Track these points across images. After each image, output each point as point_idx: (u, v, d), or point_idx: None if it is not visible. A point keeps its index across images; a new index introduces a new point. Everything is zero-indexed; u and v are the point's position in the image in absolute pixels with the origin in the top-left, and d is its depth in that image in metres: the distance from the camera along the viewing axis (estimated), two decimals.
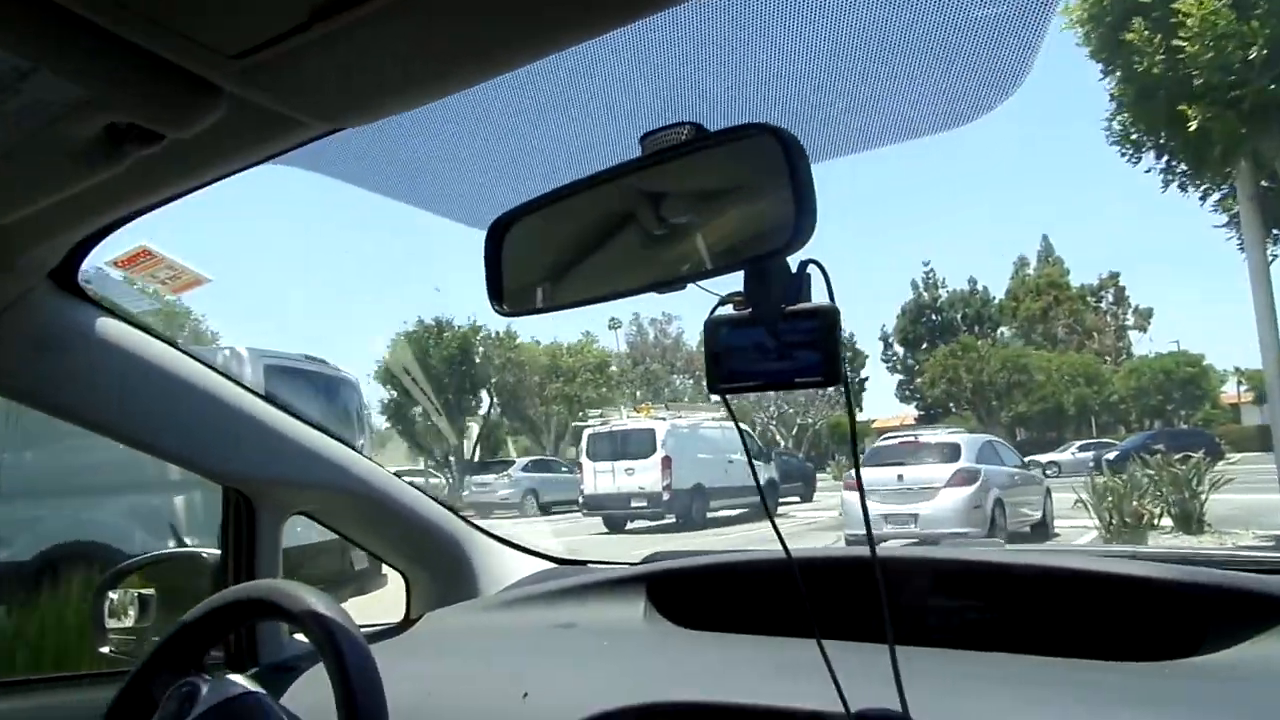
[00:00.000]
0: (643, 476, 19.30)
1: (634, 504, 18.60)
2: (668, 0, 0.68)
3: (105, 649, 1.59)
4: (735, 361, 0.84)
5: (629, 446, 19.58)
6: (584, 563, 1.85)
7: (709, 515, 19.41)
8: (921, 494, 11.80)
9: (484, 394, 32.32)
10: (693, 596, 1.48)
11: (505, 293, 0.93)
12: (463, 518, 1.80)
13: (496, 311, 0.94)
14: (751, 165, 0.79)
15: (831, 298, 0.81)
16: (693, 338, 50.76)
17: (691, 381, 50.82)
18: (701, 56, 0.89)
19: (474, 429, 35.22)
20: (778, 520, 1.09)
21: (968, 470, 11.96)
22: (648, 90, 0.94)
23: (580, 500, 19.91)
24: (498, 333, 31.33)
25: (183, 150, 0.78)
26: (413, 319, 31.34)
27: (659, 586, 1.50)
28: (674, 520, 18.75)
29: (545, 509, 22.14)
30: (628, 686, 1.18)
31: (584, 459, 19.94)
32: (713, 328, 0.84)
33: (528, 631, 1.50)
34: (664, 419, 19.32)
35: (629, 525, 19.43)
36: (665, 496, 18.66)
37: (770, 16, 0.85)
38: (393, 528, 1.73)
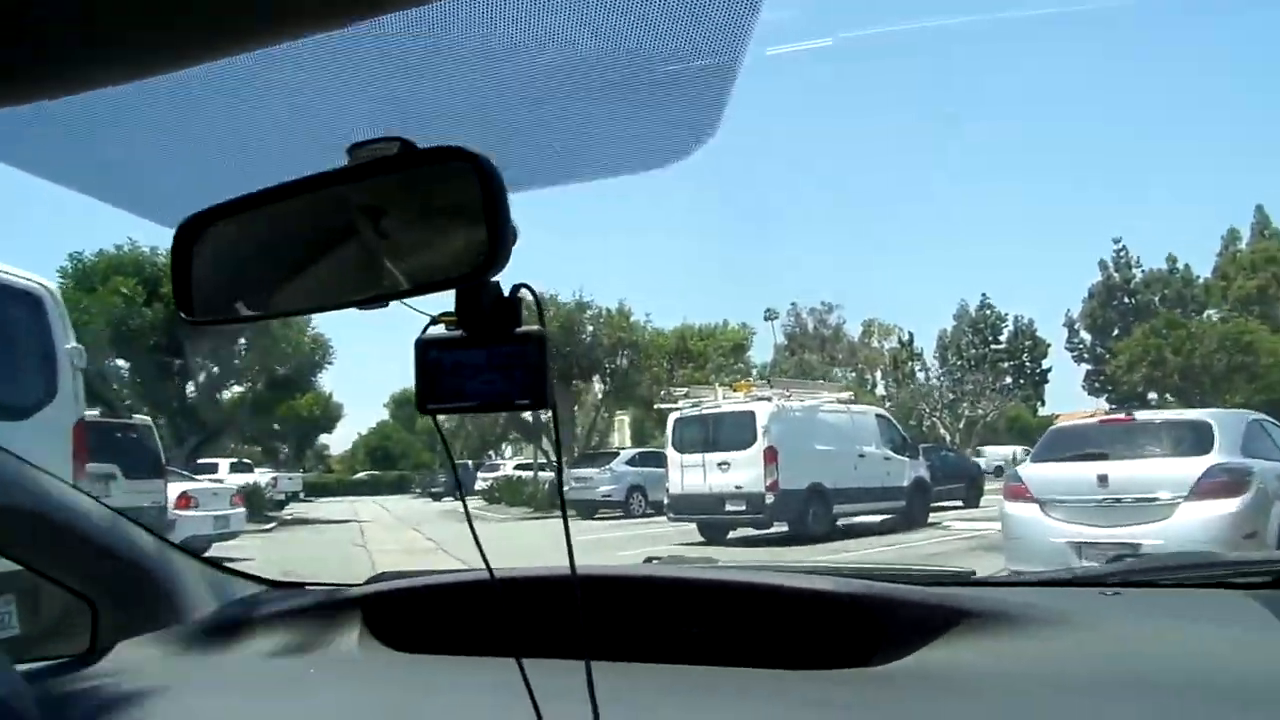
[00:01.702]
0: (740, 472, 14.07)
1: (729, 507, 13.76)
2: (366, 11, 0.64)
3: None
4: (446, 381, 0.83)
5: (723, 434, 14.37)
6: (300, 585, 1.69)
7: (837, 523, 15.50)
8: (1144, 510, 7.33)
9: (595, 380, 27.62)
10: (408, 618, 1.45)
11: (195, 300, 0.90)
12: (157, 535, 1.61)
13: (185, 320, 0.91)
14: (455, 188, 0.80)
15: (542, 321, 0.82)
16: (854, 327, 44.85)
17: (853, 375, 44.77)
18: (415, 73, 0.89)
19: (625, 419, 30.73)
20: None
21: (1231, 470, 6.11)
22: (357, 101, 0.94)
23: (666, 500, 14.78)
24: (608, 310, 26.60)
25: None
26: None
27: (374, 609, 1.45)
28: (786, 530, 15.03)
29: (657, 508, 19.00)
30: (335, 715, 1.19)
31: (669, 449, 14.77)
32: (423, 347, 0.83)
33: (229, 662, 1.41)
34: (768, 398, 13.90)
35: (732, 534, 15.74)
36: (769, 499, 14.70)
37: (483, 37, 0.85)
38: (72, 547, 1.47)
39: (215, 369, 26.88)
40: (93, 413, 12.52)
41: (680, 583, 1.37)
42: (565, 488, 1.11)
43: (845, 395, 18.53)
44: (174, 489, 13.41)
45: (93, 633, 1.51)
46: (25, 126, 0.83)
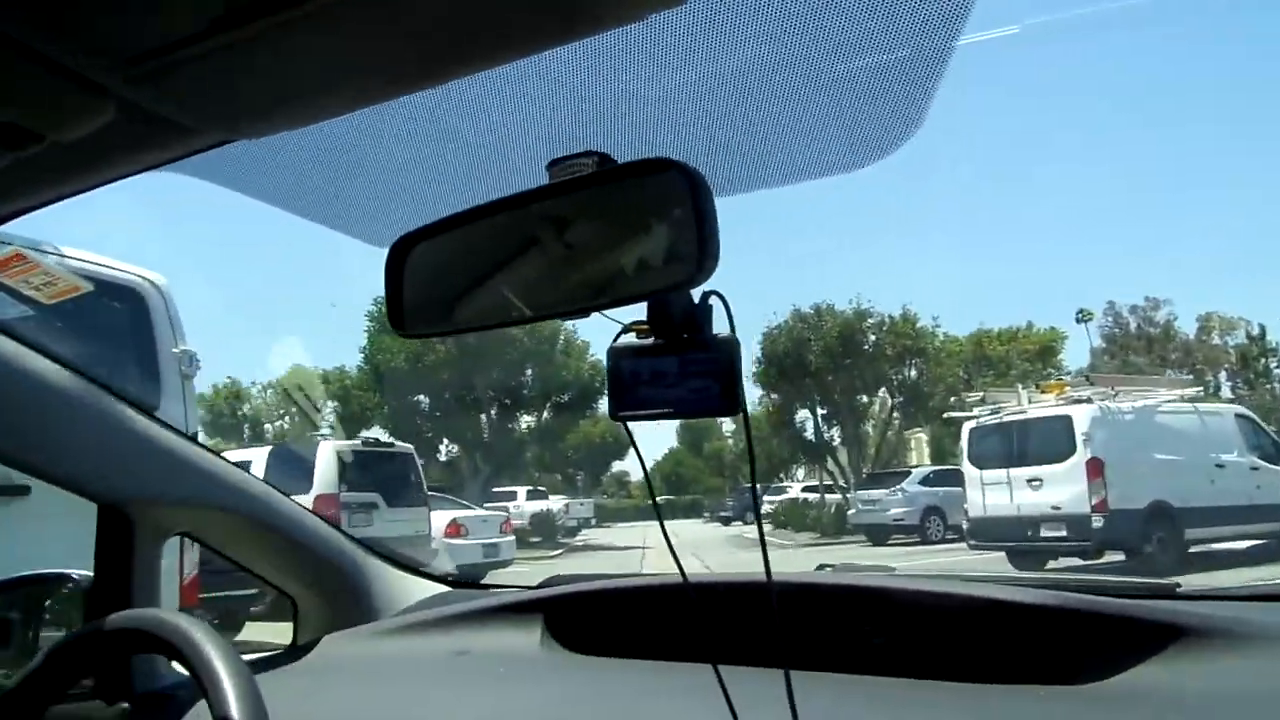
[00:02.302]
0: (1056, 490, 11.79)
1: (1045, 533, 11.78)
2: (578, 33, 0.71)
3: None
4: (638, 389, 0.85)
5: (1031, 444, 12.16)
6: (481, 586, 1.82)
7: (1189, 550, 12.46)
8: None
9: (882, 393, 25.45)
10: (590, 622, 1.47)
11: (406, 314, 0.97)
12: (351, 538, 1.73)
13: (397, 333, 0.98)
14: (658, 198, 0.82)
15: (732, 329, 0.83)
16: (1188, 324, 38.91)
17: (1189, 377, 38.51)
18: (609, 85, 0.92)
19: (923, 436, 28.57)
20: None
21: None
22: (553, 117, 0.98)
23: (965, 525, 12.66)
24: (890, 317, 24.41)
25: (64, 153, 0.75)
26: (784, 309, 25.54)
27: (556, 611, 1.49)
28: (1122, 559, 12.27)
29: (960, 532, 16.44)
30: (524, 714, 1.23)
31: (965, 464, 12.67)
32: (615, 355, 0.86)
33: (423, 658, 1.48)
34: (1087, 400, 11.35)
35: (1052, 564, 12.84)
36: (1095, 522, 12.00)
37: (677, 49, 0.87)
38: (280, 549, 1.64)
39: (506, 400, 27.84)
40: (353, 442, 12.63)
41: (861, 591, 1.34)
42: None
43: (1191, 391, 15.02)
44: (444, 516, 13.27)
45: (294, 628, 1.69)
46: (238, 151, 0.89)
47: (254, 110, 0.77)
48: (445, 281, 0.96)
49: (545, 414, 29.02)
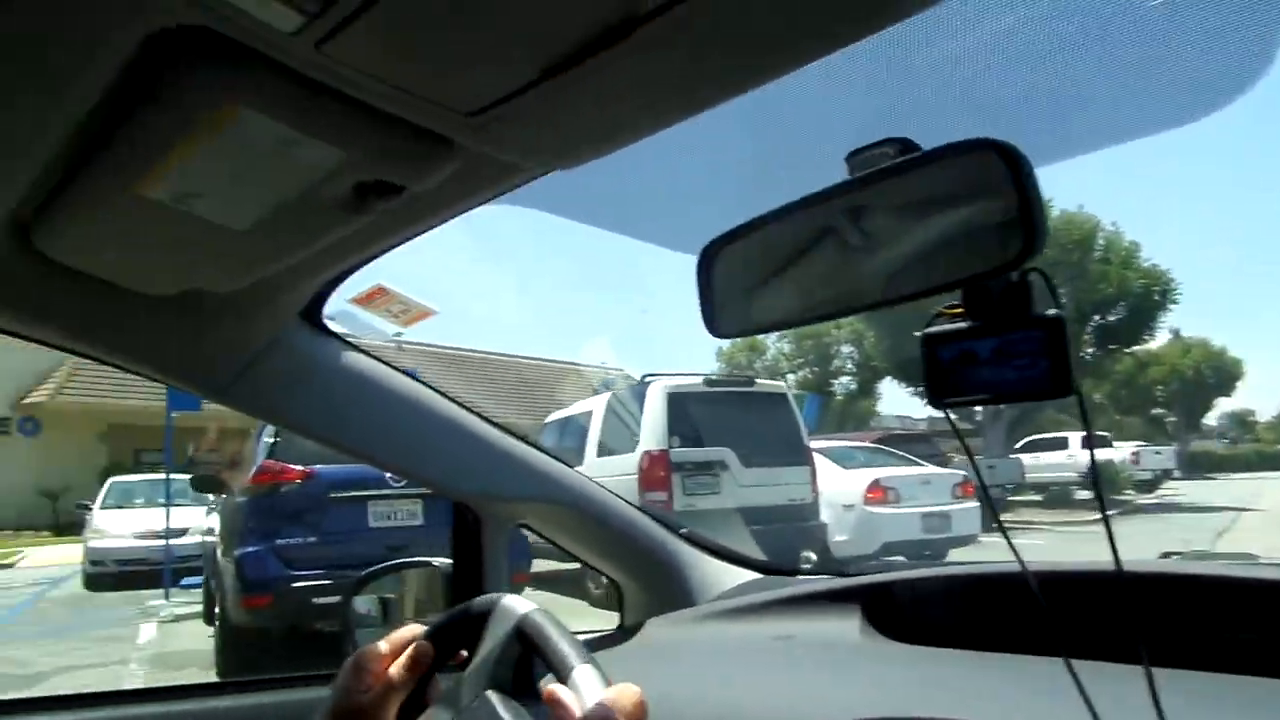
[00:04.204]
0: None
1: None
2: (879, 24, 0.70)
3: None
4: (958, 374, 0.82)
5: None
6: (792, 573, 1.75)
7: None
8: None
9: None
10: (910, 610, 1.39)
11: (717, 317, 1.00)
12: (669, 526, 1.83)
13: (711, 334, 1.02)
14: (971, 180, 0.80)
15: (1057, 305, 0.80)
16: None
17: None
18: (902, 68, 0.91)
19: None
20: None
21: None
22: (845, 107, 0.97)
23: None
24: None
25: (417, 198, 0.87)
26: None
27: (874, 599, 1.41)
28: None
29: None
30: (854, 700, 1.17)
31: None
32: (931, 341, 0.84)
33: (746, 642, 1.50)
34: None
35: None
36: None
37: (972, 23, 0.86)
38: (605, 538, 1.81)
39: None
40: (692, 379, 9.61)
41: (1225, 582, 1.15)
42: None
43: None
44: (865, 477, 9.78)
45: (620, 612, 1.85)
46: (555, 177, 0.96)
47: (576, 142, 0.83)
48: (752, 282, 0.97)
49: (1084, 339, 22.80)
